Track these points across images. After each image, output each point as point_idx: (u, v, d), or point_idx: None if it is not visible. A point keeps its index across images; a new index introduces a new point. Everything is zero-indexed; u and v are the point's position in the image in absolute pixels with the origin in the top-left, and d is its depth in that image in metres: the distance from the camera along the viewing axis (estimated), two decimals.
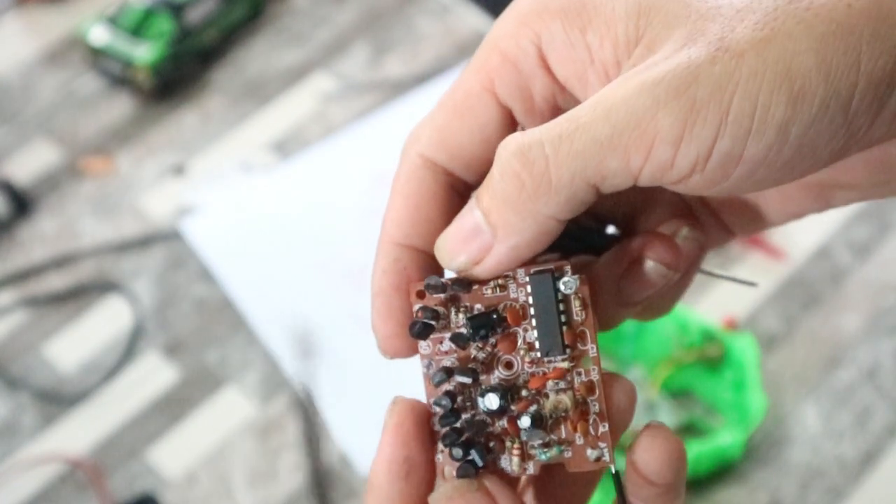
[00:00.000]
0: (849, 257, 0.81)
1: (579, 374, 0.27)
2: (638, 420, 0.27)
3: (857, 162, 0.27)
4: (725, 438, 0.67)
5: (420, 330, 0.27)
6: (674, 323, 0.72)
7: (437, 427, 0.28)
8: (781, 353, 0.76)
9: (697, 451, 0.67)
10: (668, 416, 0.70)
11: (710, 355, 0.72)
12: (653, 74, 0.23)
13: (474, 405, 0.28)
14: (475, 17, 1.00)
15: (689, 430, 0.71)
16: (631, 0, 0.25)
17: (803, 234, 0.82)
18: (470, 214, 0.27)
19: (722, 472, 0.69)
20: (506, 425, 0.27)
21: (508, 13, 0.28)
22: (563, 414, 0.27)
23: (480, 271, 0.27)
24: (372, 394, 0.74)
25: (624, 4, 0.25)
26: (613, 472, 0.27)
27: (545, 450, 0.27)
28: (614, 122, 0.23)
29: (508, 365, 0.28)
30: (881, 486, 0.69)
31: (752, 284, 0.34)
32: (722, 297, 0.79)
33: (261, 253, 0.85)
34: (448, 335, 0.28)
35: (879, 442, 0.71)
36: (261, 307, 0.81)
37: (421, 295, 0.28)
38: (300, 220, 0.87)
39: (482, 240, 0.26)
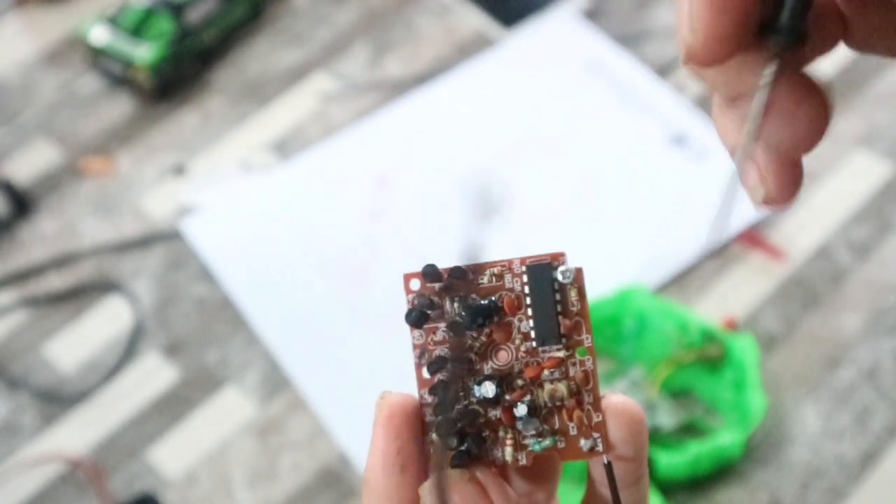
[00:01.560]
0: (849, 257, 0.81)
1: (574, 364, 0.27)
2: None
3: None
4: (725, 438, 0.67)
5: (417, 317, 0.27)
6: (674, 323, 0.72)
7: (428, 418, 0.27)
8: (781, 353, 0.76)
9: (697, 451, 0.67)
10: (668, 416, 0.70)
11: (710, 355, 0.71)
12: None
13: (467, 395, 0.27)
14: (475, 17, 1.00)
15: (689, 430, 0.71)
16: None
17: (803, 234, 0.82)
18: None
19: (722, 472, 0.69)
20: (500, 415, 0.27)
21: None
22: (558, 403, 0.27)
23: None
24: (372, 393, 0.74)
25: None
26: (606, 462, 0.27)
27: (539, 440, 0.27)
28: None
29: (503, 355, 0.28)
30: (881, 486, 0.69)
31: None
32: (722, 297, 0.79)
33: (261, 253, 0.85)
34: (443, 324, 0.28)
35: (879, 442, 0.71)
36: (261, 307, 0.81)
37: (417, 282, 0.28)
38: (300, 220, 0.87)
39: None
